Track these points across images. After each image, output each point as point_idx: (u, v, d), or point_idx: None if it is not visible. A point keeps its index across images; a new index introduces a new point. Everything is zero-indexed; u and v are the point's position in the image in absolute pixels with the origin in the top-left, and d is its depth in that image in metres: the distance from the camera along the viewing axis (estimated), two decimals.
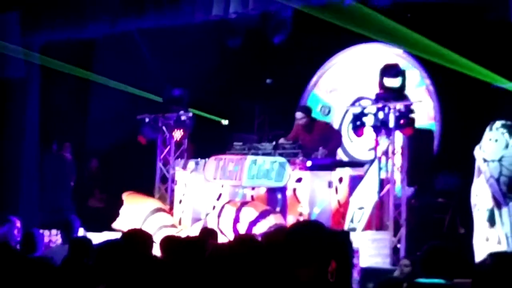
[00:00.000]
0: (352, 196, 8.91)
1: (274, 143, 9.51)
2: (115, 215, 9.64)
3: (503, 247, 7.76)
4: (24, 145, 12.11)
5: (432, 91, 11.30)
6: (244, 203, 8.82)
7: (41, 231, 7.85)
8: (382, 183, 8.92)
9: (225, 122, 11.89)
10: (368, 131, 9.17)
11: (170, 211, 10.04)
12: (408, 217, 8.93)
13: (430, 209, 9.80)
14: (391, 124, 8.92)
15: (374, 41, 11.20)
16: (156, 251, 5.28)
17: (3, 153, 12.21)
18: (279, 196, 9.19)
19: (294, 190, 9.04)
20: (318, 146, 9.19)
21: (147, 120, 10.84)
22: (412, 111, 8.91)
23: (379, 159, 9.01)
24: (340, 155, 11.34)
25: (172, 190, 10.54)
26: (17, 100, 12.23)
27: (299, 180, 9.03)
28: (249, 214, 8.50)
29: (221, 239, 7.33)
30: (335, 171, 9.08)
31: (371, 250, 8.44)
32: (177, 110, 10.85)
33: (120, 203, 9.71)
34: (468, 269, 4.96)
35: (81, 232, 8.19)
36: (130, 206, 9.62)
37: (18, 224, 8.00)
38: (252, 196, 9.42)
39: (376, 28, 9.62)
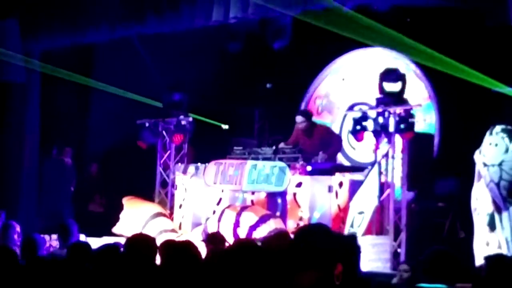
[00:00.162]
0: (352, 200, 8.91)
1: (274, 147, 9.51)
2: (115, 219, 9.64)
3: (503, 252, 7.75)
4: (24, 149, 12.12)
5: (432, 93, 11.31)
6: (244, 208, 8.82)
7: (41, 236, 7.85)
8: (382, 188, 8.92)
9: (225, 126, 11.89)
10: (368, 135, 9.17)
11: (170, 215, 10.04)
12: (408, 221, 8.93)
13: (430, 213, 9.80)
14: (391, 128, 8.92)
15: (373, 45, 11.24)
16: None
17: (3, 158, 12.22)
18: (279, 200, 9.19)
19: (294, 194, 9.04)
20: (318, 150, 9.19)
21: (147, 124, 10.85)
22: (412, 116, 8.92)
23: (379, 163, 9.02)
24: (342, 160, 11.35)
25: (172, 195, 10.54)
26: (18, 104, 12.24)
27: (299, 184, 9.03)
28: (249, 218, 8.50)
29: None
30: (335, 176, 9.09)
31: (371, 254, 8.44)
32: (177, 115, 10.85)
33: (120, 207, 9.72)
34: (468, 274, 4.98)
35: (82, 238, 8.19)
36: (130, 210, 9.62)
37: (18, 228, 8.00)
38: (252, 201, 9.42)
39: (375, 34, 9.64)
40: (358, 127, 9.14)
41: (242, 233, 8.37)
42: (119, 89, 11.39)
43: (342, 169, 9.59)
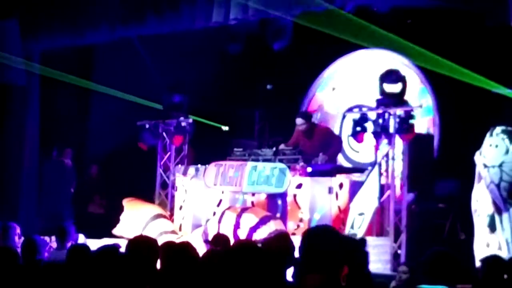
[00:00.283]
0: (352, 202, 8.91)
1: (274, 149, 9.50)
2: (116, 221, 9.64)
3: (503, 253, 7.75)
4: (25, 151, 12.11)
5: (432, 97, 11.31)
6: (244, 209, 8.82)
7: (42, 237, 7.84)
8: (382, 189, 8.92)
9: (225, 128, 11.88)
10: (369, 137, 9.17)
11: (171, 217, 10.04)
12: (408, 222, 8.92)
13: (430, 214, 9.79)
14: (392, 129, 8.92)
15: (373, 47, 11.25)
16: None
17: (3, 159, 12.22)
18: (280, 202, 9.19)
19: (295, 196, 9.04)
20: (318, 152, 9.19)
21: (147, 126, 10.85)
22: (412, 117, 8.91)
23: (380, 164, 9.01)
24: (343, 162, 11.36)
25: (173, 196, 10.54)
26: (18, 106, 12.24)
27: (299, 186, 9.03)
28: (249, 220, 8.50)
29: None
30: (335, 177, 9.08)
31: (372, 256, 8.37)
32: (177, 116, 10.85)
33: (120, 209, 9.71)
34: (469, 275, 4.97)
35: (81, 239, 8.18)
36: (131, 212, 9.61)
37: (18, 230, 7.99)
38: (252, 202, 9.42)
39: (376, 36, 9.64)
40: (358, 128, 9.14)
41: (242, 235, 8.37)
42: (119, 92, 11.39)
43: (342, 170, 9.58)
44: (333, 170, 9.22)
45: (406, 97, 9.30)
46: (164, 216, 9.73)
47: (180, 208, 10.07)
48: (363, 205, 8.77)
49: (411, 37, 9.81)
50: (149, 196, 10.68)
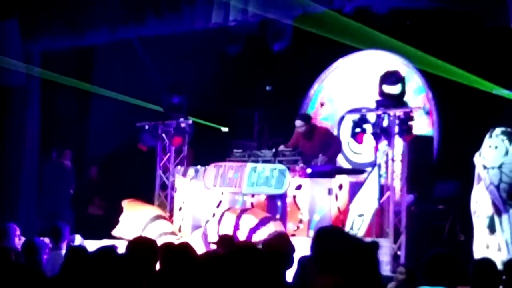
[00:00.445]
0: (352, 203, 8.90)
1: (274, 150, 9.50)
2: (115, 222, 9.63)
3: (503, 254, 7.76)
4: (24, 152, 12.12)
5: (431, 98, 11.31)
6: (244, 210, 8.81)
7: (41, 238, 7.84)
8: (382, 190, 8.92)
9: (224, 129, 11.88)
10: (369, 138, 9.17)
11: (170, 218, 10.03)
12: (408, 224, 8.93)
13: (430, 216, 9.80)
14: (391, 131, 8.92)
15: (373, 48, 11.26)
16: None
17: (3, 160, 12.22)
18: (279, 203, 9.19)
19: (294, 197, 9.04)
20: (318, 153, 9.19)
21: (146, 127, 10.84)
22: (411, 118, 8.92)
23: (379, 166, 9.01)
24: (345, 164, 11.36)
25: (172, 198, 10.53)
26: (17, 107, 12.25)
27: (299, 187, 9.02)
28: (249, 221, 8.49)
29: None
30: (335, 178, 9.08)
31: None
32: (177, 117, 10.85)
33: (120, 210, 9.71)
34: (468, 276, 4.97)
35: (78, 240, 8.16)
36: (130, 213, 9.61)
37: (18, 231, 7.99)
38: (252, 203, 9.41)
39: (375, 38, 9.66)
40: (357, 130, 9.14)
41: (242, 236, 8.37)
42: (119, 94, 11.39)
43: (342, 171, 9.58)
44: (333, 171, 9.22)
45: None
46: (164, 217, 9.72)
47: (180, 209, 10.07)
48: (363, 206, 8.77)
49: (410, 39, 9.82)
50: (148, 197, 10.67)
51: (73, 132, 12.68)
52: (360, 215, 8.73)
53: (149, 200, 10.55)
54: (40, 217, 11.56)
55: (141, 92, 11.29)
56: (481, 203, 8.05)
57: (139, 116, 11.04)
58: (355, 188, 9.01)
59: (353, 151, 11.80)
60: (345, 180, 9.18)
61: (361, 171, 9.61)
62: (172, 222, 9.91)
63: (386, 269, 8.51)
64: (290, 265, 5.09)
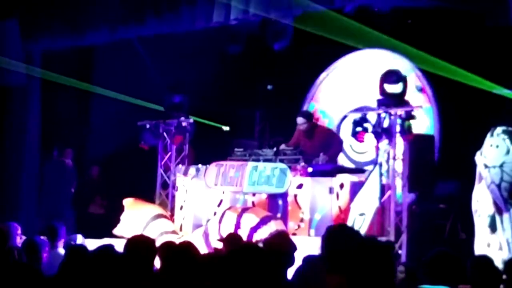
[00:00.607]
0: (353, 202, 8.91)
1: (275, 149, 9.50)
2: (116, 221, 9.63)
3: (504, 253, 7.76)
4: (25, 151, 12.13)
5: (432, 96, 11.32)
6: (245, 209, 8.82)
7: (42, 237, 7.85)
8: (383, 189, 8.92)
9: (226, 128, 11.89)
10: (369, 137, 9.17)
11: (171, 217, 10.03)
12: (409, 223, 8.92)
13: (431, 215, 9.80)
14: (392, 130, 8.92)
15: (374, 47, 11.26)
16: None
17: (4, 159, 12.23)
18: (280, 202, 9.19)
19: (295, 196, 9.04)
20: (319, 152, 9.19)
21: (147, 126, 10.84)
22: (413, 117, 8.92)
23: (380, 165, 9.01)
24: (345, 163, 11.36)
25: (173, 196, 10.53)
26: (18, 106, 12.25)
27: (300, 186, 9.02)
28: (250, 220, 8.50)
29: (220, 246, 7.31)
30: (336, 177, 9.08)
31: None
32: (178, 117, 10.85)
33: (121, 209, 9.71)
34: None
35: (79, 239, 8.16)
36: (131, 212, 9.61)
37: (19, 231, 8.00)
38: (253, 202, 9.41)
39: (376, 37, 9.66)
40: (358, 129, 9.14)
41: (243, 235, 8.36)
42: (119, 94, 11.39)
43: (343, 170, 9.58)
44: (334, 170, 9.22)
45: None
46: (165, 216, 9.73)
47: (181, 208, 10.07)
48: (364, 205, 8.77)
49: (411, 38, 9.82)
50: (149, 196, 10.67)
51: (74, 132, 12.69)
52: (361, 214, 8.74)
53: (150, 199, 10.56)
54: (41, 216, 11.56)
55: (141, 91, 11.29)
56: (482, 202, 8.06)
57: (140, 115, 11.04)
58: (356, 187, 9.02)
59: (356, 151, 11.80)
60: (346, 179, 9.18)
61: (362, 170, 9.62)
62: (173, 221, 9.92)
63: None
64: (291, 263, 5.09)
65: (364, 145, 10.21)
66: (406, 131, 8.86)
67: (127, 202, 9.69)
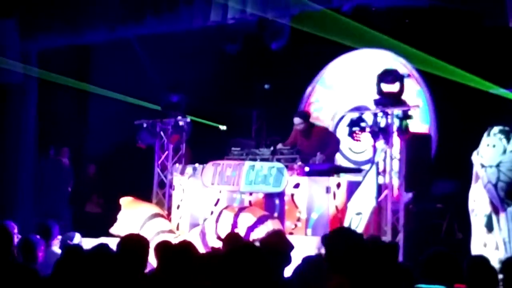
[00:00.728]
0: (350, 201, 8.91)
1: (272, 148, 9.50)
2: (113, 220, 9.62)
3: (501, 253, 7.77)
4: (22, 149, 12.12)
5: (428, 96, 11.33)
6: (242, 209, 8.81)
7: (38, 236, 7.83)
8: (380, 189, 8.93)
9: (223, 127, 11.89)
10: (366, 136, 9.18)
11: (168, 216, 10.03)
12: (406, 222, 8.93)
13: (428, 214, 9.81)
14: (389, 129, 8.93)
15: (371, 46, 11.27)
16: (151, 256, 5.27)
17: (0, 158, 12.21)
18: (277, 201, 9.19)
19: (292, 195, 9.04)
20: (316, 151, 9.19)
21: (144, 125, 10.84)
22: (410, 117, 8.92)
23: (377, 164, 9.02)
24: (343, 163, 11.36)
25: (170, 196, 10.53)
26: (15, 104, 12.25)
27: (297, 185, 9.02)
28: (247, 219, 8.49)
29: (219, 245, 7.31)
30: (333, 177, 9.09)
31: None
32: (175, 116, 10.85)
33: (117, 208, 9.70)
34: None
35: (77, 238, 8.15)
36: (128, 211, 9.60)
37: (16, 229, 7.98)
38: (250, 202, 9.41)
39: (373, 36, 9.66)
40: (355, 128, 9.15)
41: (240, 234, 8.36)
42: (117, 93, 11.39)
43: (340, 170, 9.59)
44: (331, 169, 9.23)
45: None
46: (162, 215, 9.72)
47: (178, 207, 10.06)
48: (361, 205, 8.78)
49: (408, 38, 9.83)
50: (146, 195, 10.67)
51: (71, 131, 12.68)
52: (358, 214, 8.74)
53: (147, 198, 10.55)
54: (38, 215, 11.55)
55: (138, 91, 11.29)
56: (479, 201, 8.06)
57: (137, 114, 11.04)
58: (353, 187, 9.02)
59: (353, 151, 11.80)
60: (343, 178, 9.18)
61: (359, 170, 9.62)
62: (170, 220, 9.91)
63: None
64: (287, 263, 5.09)
65: (362, 145, 10.20)
66: (403, 131, 8.87)
67: (124, 201, 9.68)
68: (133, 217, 9.49)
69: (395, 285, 3.19)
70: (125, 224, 9.44)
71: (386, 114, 8.96)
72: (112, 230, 9.44)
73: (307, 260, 4.64)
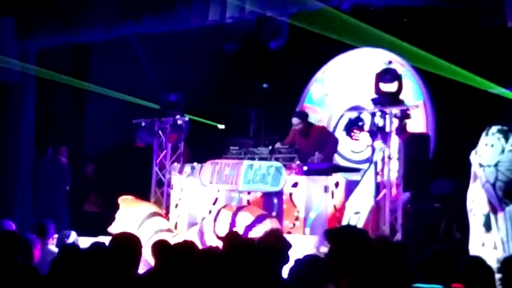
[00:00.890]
0: (348, 200, 8.91)
1: (270, 147, 9.51)
2: (111, 219, 9.62)
3: (499, 252, 7.76)
4: (20, 148, 12.11)
5: (427, 96, 11.33)
6: (240, 208, 8.81)
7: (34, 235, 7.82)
8: (378, 188, 8.92)
9: (221, 126, 11.89)
10: (364, 135, 9.18)
11: (166, 215, 10.03)
12: (404, 222, 8.93)
13: (426, 214, 9.81)
14: (387, 128, 8.93)
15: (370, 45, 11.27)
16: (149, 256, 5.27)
17: None
18: (275, 200, 9.18)
19: (290, 194, 9.04)
20: (315, 150, 9.19)
21: (143, 124, 10.84)
22: (408, 116, 8.92)
23: (375, 163, 9.02)
24: (341, 162, 11.36)
25: (168, 195, 10.52)
26: (13, 103, 12.24)
27: (295, 184, 9.02)
28: (245, 218, 8.49)
29: (217, 244, 7.31)
30: (331, 176, 9.09)
31: None
32: (173, 115, 10.85)
33: (116, 207, 9.70)
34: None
35: (73, 236, 8.14)
36: (126, 210, 9.60)
37: (14, 228, 7.97)
38: (248, 201, 9.41)
39: (370, 35, 9.66)
40: (353, 127, 9.14)
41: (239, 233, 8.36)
42: (115, 92, 11.38)
43: (338, 169, 9.59)
44: (329, 169, 9.23)
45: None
46: (160, 214, 9.72)
47: (176, 206, 10.06)
48: (359, 204, 8.78)
49: (407, 36, 9.82)
50: (144, 194, 10.67)
51: (69, 129, 12.67)
52: (356, 213, 8.74)
53: (145, 197, 10.55)
54: (36, 213, 11.54)
55: (137, 89, 11.28)
56: (477, 201, 8.06)
57: (135, 113, 11.04)
58: (351, 186, 9.02)
59: (352, 150, 11.80)
60: (341, 177, 9.18)
61: (357, 170, 9.62)
62: (168, 219, 9.91)
63: None
64: (285, 262, 5.09)
65: (360, 144, 10.20)
66: (401, 130, 8.87)
67: (122, 200, 9.68)
68: (131, 216, 9.49)
69: (401, 285, 3.18)
70: (123, 223, 9.44)
71: (384, 114, 8.96)
72: (110, 229, 9.44)
73: (301, 261, 4.64)
